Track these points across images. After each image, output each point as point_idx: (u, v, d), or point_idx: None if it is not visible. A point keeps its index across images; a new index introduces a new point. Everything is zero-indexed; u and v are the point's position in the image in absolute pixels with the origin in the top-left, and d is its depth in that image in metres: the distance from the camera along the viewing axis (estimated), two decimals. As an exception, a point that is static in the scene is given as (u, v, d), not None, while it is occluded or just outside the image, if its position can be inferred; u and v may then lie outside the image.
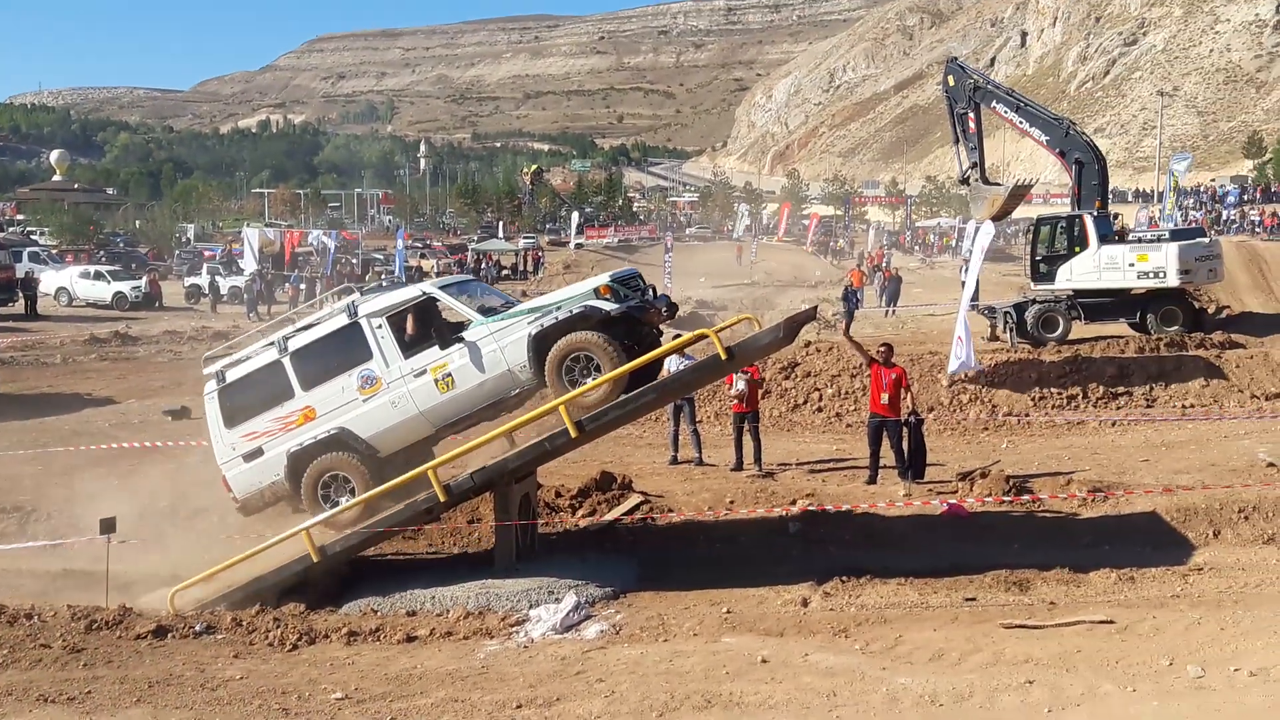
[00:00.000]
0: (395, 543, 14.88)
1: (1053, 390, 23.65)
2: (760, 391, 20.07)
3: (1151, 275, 27.24)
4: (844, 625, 11.32)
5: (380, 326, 13.54)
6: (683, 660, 10.44)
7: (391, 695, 9.90)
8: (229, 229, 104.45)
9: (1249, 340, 26.55)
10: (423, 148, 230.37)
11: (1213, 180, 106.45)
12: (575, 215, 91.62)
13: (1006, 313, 28.21)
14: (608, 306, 13.08)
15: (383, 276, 54.04)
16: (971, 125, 29.03)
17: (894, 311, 38.48)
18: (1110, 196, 31.55)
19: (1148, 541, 14.10)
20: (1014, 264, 44.47)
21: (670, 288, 44.13)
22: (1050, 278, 28.31)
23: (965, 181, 29.51)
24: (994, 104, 29.04)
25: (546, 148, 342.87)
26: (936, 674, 9.80)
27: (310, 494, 13.59)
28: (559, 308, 13.22)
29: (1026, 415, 22.68)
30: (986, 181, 29.32)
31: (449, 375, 13.36)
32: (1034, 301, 28.19)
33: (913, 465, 17.30)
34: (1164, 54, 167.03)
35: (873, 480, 17.40)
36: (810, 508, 15.58)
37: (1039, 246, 28.95)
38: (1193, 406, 22.81)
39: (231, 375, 14.00)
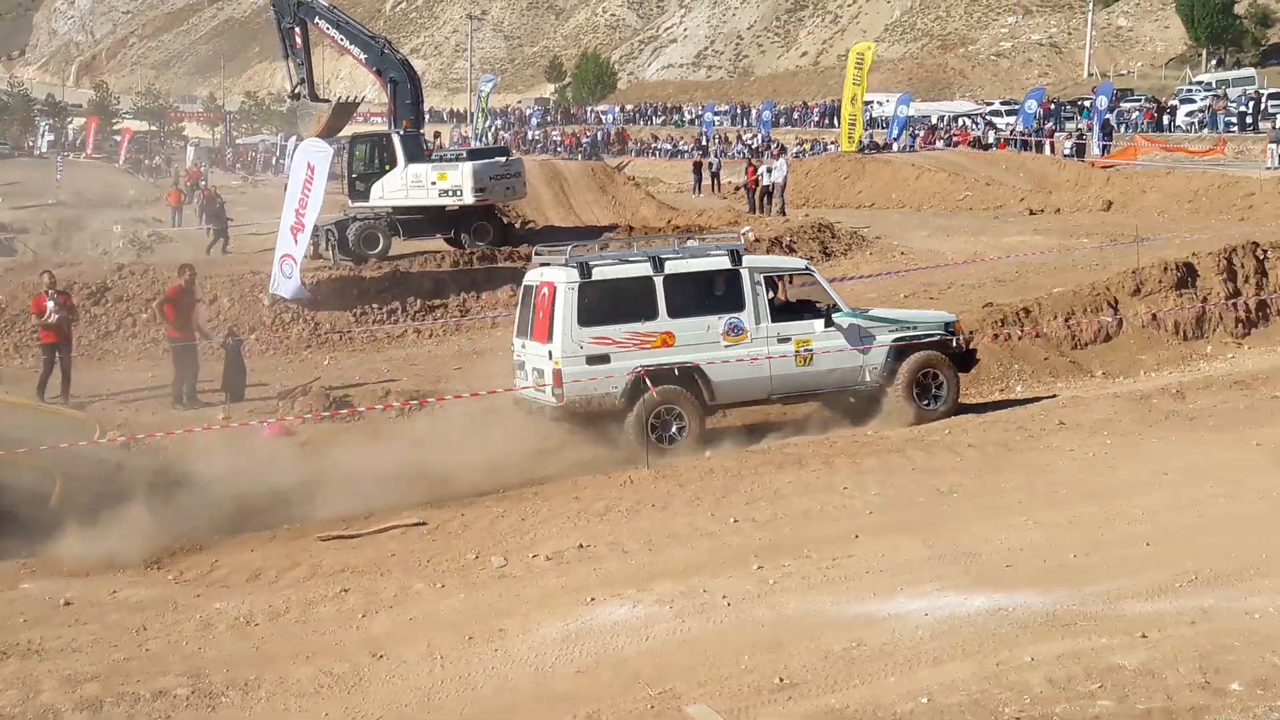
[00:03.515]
0: None
1: (374, 305, 24.19)
2: (72, 319, 18.59)
3: (451, 193, 28.41)
4: (157, 557, 10.91)
5: (758, 283, 14.03)
6: (-27, 616, 9.53)
7: None
8: None
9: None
10: None
11: (519, 102, 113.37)
12: None
13: (329, 230, 28.26)
14: (954, 341, 14.98)
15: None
16: (299, 40, 28.75)
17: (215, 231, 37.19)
18: (426, 116, 32.54)
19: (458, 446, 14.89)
20: (336, 181, 44.69)
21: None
22: (366, 195, 28.78)
23: (296, 98, 29.27)
24: (316, 19, 28.89)
25: None
26: (253, 594, 9.75)
27: (640, 419, 13.51)
28: (915, 327, 14.80)
29: (349, 331, 23.02)
30: (315, 98, 29.23)
31: (810, 352, 14.08)
32: (355, 219, 28.51)
33: (230, 386, 16.98)
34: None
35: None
36: (121, 438, 14.78)
37: (355, 164, 29.28)
38: (503, 316, 24.32)
39: (598, 273, 13.66)
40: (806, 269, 15.22)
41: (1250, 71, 73.94)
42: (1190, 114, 56.34)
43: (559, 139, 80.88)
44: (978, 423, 13.96)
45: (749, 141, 68.64)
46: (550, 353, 13.67)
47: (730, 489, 11.68)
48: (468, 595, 9.51)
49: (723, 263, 14.21)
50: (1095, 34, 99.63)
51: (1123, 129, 54.12)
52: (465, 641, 8.56)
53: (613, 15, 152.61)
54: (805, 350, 14.21)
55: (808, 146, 62.86)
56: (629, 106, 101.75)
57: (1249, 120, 51.19)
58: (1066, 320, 20.57)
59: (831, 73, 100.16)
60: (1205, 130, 52.17)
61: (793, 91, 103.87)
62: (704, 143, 69.66)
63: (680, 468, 12.87)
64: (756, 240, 29.27)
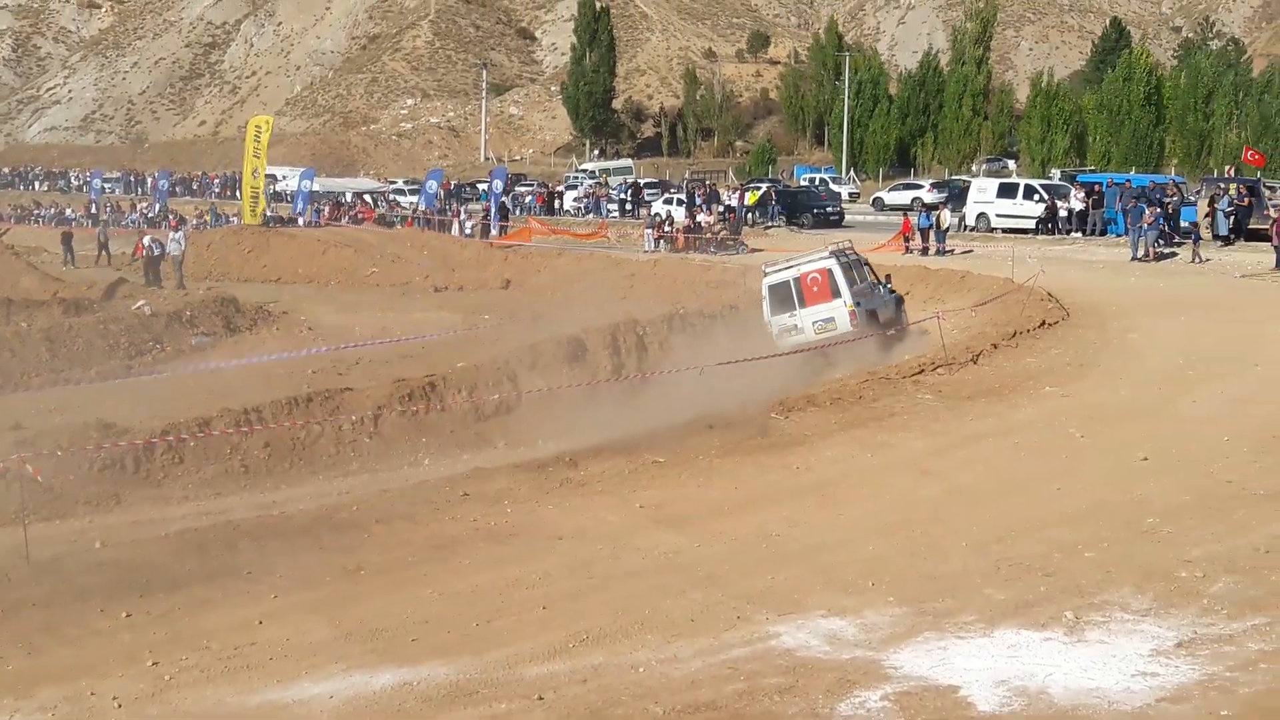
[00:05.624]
0: None
1: None
2: None
3: None
4: None
5: (863, 265, 25.24)
6: None
7: None
8: None
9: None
10: None
11: None
12: None
13: None
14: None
15: None
16: None
17: None
18: None
19: None
20: None
21: None
22: None
23: None
24: None
25: None
26: None
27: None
28: (893, 293, 24.93)
29: None
30: None
31: (889, 299, 24.43)
32: None
33: None
34: None
35: None
36: None
37: None
38: None
39: (841, 260, 23.97)
40: (866, 261, 25.64)
41: (628, 162, 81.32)
42: (577, 199, 60.58)
43: None
44: (385, 498, 14.02)
45: (145, 211, 65.39)
46: (844, 302, 23.31)
47: (124, 580, 10.88)
48: None
49: (853, 258, 24.69)
50: (490, 120, 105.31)
51: (518, 211, 57.19)
52: None
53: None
54: (886, 298, 24.45)
55: (208, 218, 60.88)
56: (6, 169, 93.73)
57: (628, 206, 55.74)
58: (470, 394, 21.24)
59: (232, 144, 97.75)
60: (590, 215, 56.22)
61: (191, 161, 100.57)
62: (94, 210, 65.53)
63: (66, 561, 11.83)
64: (152, 315, 27.88)
